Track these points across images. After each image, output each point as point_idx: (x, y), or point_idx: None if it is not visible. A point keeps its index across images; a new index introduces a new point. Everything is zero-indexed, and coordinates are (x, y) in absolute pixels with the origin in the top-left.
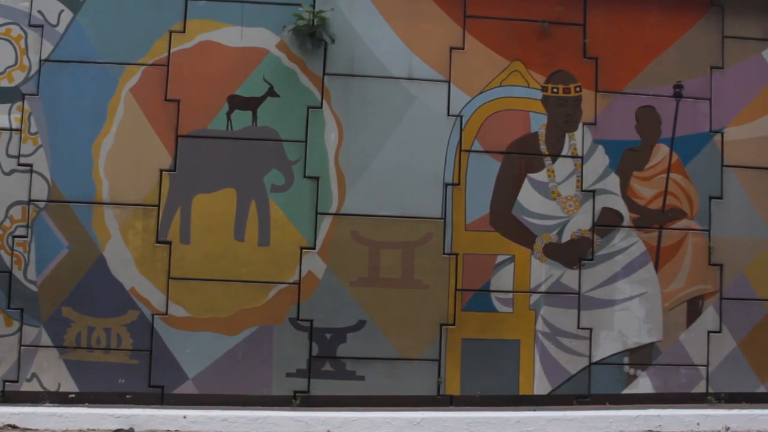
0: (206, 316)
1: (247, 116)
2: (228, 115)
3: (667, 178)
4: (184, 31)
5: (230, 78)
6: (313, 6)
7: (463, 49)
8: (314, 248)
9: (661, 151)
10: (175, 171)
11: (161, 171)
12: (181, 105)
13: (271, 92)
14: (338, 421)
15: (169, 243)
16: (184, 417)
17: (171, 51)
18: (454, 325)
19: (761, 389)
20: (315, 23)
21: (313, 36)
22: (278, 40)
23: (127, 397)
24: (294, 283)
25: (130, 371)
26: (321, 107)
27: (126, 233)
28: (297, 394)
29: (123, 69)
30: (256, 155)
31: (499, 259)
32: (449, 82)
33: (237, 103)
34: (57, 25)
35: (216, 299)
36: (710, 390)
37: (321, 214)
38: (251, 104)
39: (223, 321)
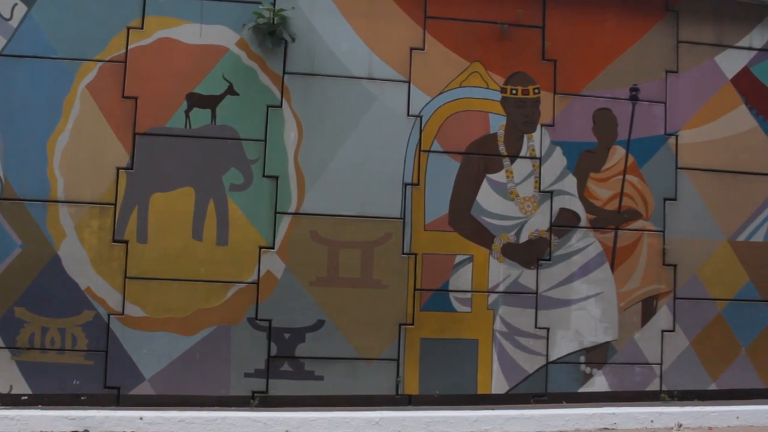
0: (163, 316)
1: (205, 114)
2: (186, 113)
3: (623, 179)
4: (142, 28)
5: (189, 76)
6: (274, 4)
7: (423, 49)
8: (273, 248)
9: (618, 153)
10: (132, 169)
11: (118, 169)
12: (139, 102)
13: (231, 90)
14: (297, 422)
15: (126, 242)
16: (141, 418)
17: (129, 47)
18: (412, 324)
19: (712, 387)
20: (275, 22)
21: (273, 34)
22: (238, 38)
23: (82, 398)
24: (252, 283)
25: (86, 372)
26: (281, 106)
27: (82, 232)
28: (255, 395)
29: (79, 65)
30: (214, 154)
31: (458, 259)
32: (409, 82)
33: (196, 101)
34: (10, 18)
35: (173, 299)
36: (664, 388)
37: (280, 213)
38: (210, 102)
39: (181, 321)
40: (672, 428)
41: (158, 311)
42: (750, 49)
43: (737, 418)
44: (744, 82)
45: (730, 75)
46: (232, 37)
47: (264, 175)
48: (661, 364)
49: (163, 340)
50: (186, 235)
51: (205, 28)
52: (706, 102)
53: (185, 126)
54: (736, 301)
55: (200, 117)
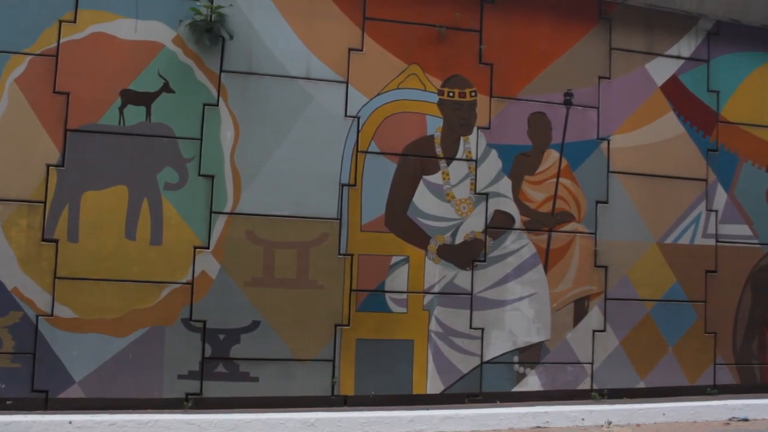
0: (95, 317)
1: (140, 111)
2: (120, 109)
3: (557, 182)
4: (74, 21)
5: (123, 72)
6: (211, 1)
7: (361, 50)
8: (208, 248)
9: (552, 157)
10: (63, 166)
11: (48, 166)
12: (71, 98)
13: (166, 88)
14: (231, 423)
15: (56, 241)
16: (70, 422)
17: (60, 41)
18: (348, 325)
19: (641, 385)
20: (213, 19)
21: (210, 32)
22: (174, 34)
23: (8, 402)
24: (187, 283)
25: (12, 375)
26: (217, 105)
27: (9, 230)
28: (189, 397)
29: (7, 58)
30: (149, 152)
31: (394, 259)
32: (347, 83)
33: (130, 97)
34: None
35: (105, 299)
36: (594, 386)
37: (215, 213)
38: (145, 99)
39: (113, 322)
40: (602, 426)
41: (89, 312)
42: (678, 57)
43: (663, 414)
44: (672, 89)
45: (659, 82)
46: (169, 33)
47: (199, 174)
48: (592, 363)
49: (94, 342)
50: (119, 235)
51: (140, 24)
52: (637, 108)
53: (119, 123)
54: (663, 302)
55: (135, 114)
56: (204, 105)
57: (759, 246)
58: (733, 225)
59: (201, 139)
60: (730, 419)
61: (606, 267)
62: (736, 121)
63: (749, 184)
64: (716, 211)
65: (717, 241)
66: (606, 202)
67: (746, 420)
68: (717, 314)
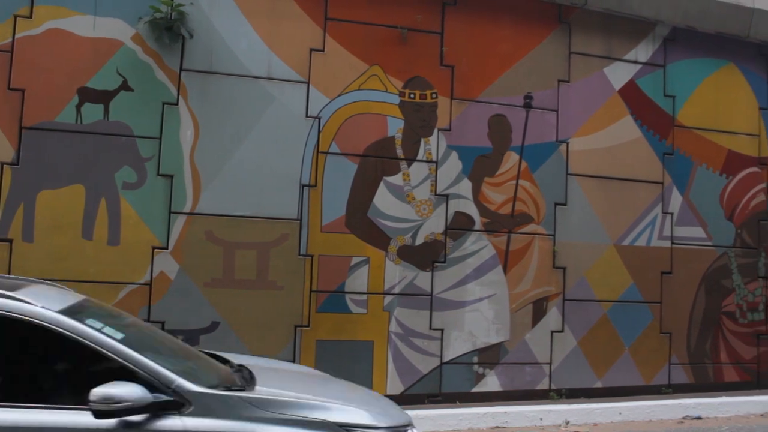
0: None
1: (98, 110)
2: (78, 107)
3: (516, 184)
4: (30, 17)
5: (81, 69)
6: None
7: (323, 51)
8: (167, 248)
9: (512, 159)
10: (18, 165)
11: (2, 164)
12: (26, 95)
13: (125, 86)
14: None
15: (10, 241)
16: None
17: (15, 36)
18: (308, 326)
19: (598, 385)
20: (173, 17)
21: (170, 30)
22: (133, 32)
23: None
24: (145, 284)
25: None
26: (177, 104)
27: None
28: None
29: None
30: (107, 151)
31: (354, 260)
32: (308, 83)
33: (88, 95)
34: None
35: None
36: (552, 386)
37: (174, 213)
38: (103, 97)
39: None
40: (560, 425)
41: None
42: (636, 62)
43: (620, 414)
44: (630, 93)
45: (617, 86)
46: (128, 30)
47: (158, 174)
48: (550, 363)
49: None
50: (75, 234)
51: (98, 21)
52: (595, 111)
53: (76, 121)
54: (620, 303)
55: (92, 112)
56: (163, 104)
57: (713, 248)
58: (688, 227)
59: (160, 138)
60: (683, 418)
61: (564, 268)
62: (691, 126)
63: (704, 188)
64: (672, 214)
65: (672, 243)
66: (564, 204)
67: (699, 418)
68: (672, 315)
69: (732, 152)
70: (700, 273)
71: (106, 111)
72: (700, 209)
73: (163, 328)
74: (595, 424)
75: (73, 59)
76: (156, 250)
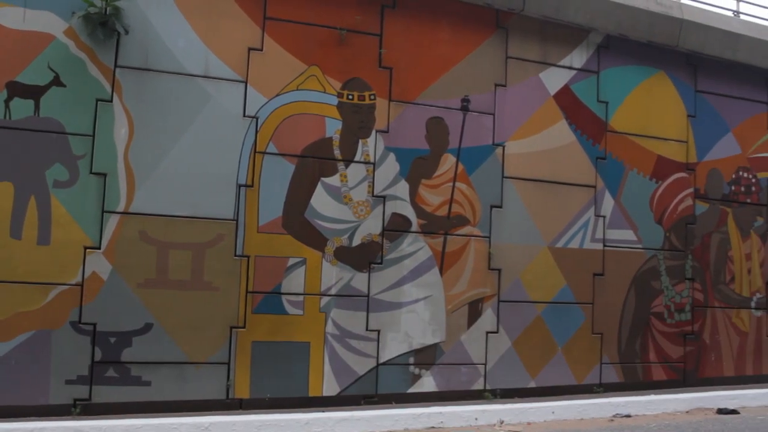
0: None
1: (28, 105)
2: (6, 102)
3: (453, 186)
4: None
5: (9, 63)
6: None
7: (261, 50)
8: (99, 248)
9: (449, 161)
10: None
11: None
12: None
13: (57, 81)
14: (121, 429)
15: None
16: None
17: None
18: (244, 327)
19: (532, 384)
20: (107, 12)
21: (105, 25)
22: (66, 26)
23: None
24: (76, 285)
25: None
26: (111, 101)
27: None
28: (77, 402)
29: None
30: (37, 148)
31: (291, 261)
32: (246, 82)
33: (17, 90)
34: None
35: None
36: (487, 387)
37: (107, 212)
38: (33, 92)
39: None
40: (494, 425)
41: None
42: (570, 68)
43: (553, 413)
44: (564, 98)
45: (552, 91)
46: (60, 24)
47: (91, 172)
48: (485, 364)
49: None
50: (3, 234)
51: (29, 13)
52: (531, 116)
53: (4, 117)
54: (553, 304)
55: (22, 108)
56: (97, 100)
57: (642, 250)
58: (619, 230)
59: (93, 136)
60: (614, 416)
61: (499, 270)
62: (623, 131)
63: (634, 192)
64: (604, 217)
65: (604, 246)
66: (500, 207)
67: (629, 416)
68: (603, 316)
69: (661, 158)
70: (630, 275)
71: (37, 107)
72: (631, 213)
73: (95, 330)
74: (529, 423)
75: (1, 52)
76: (88, 250)
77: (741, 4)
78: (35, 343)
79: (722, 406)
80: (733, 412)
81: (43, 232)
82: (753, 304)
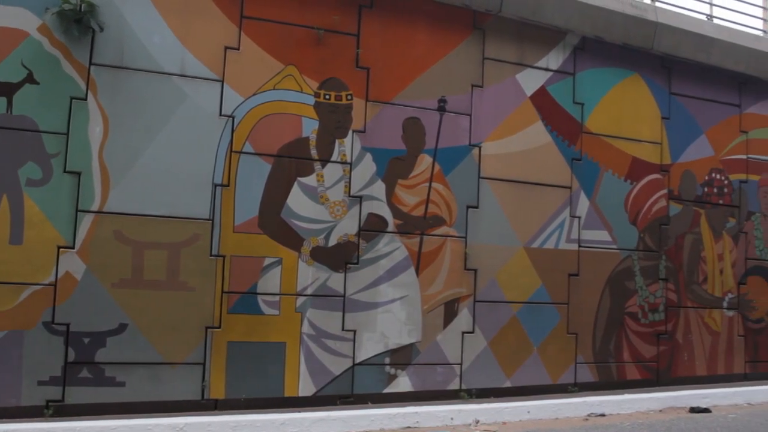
0: None
1: (1, 103)
2: None
3: (429, 187)
4: None
5: None
6: None
7: (238, 49)
8: (73, 247)
9: (425, 161)
10: None
11: None
12: None
13: (30, 79)
14: (95, 431)
15: None
16: None
17: None
18: (219, 327)
19: (507, 384)
20: (82, 9)
21: (79, 22)
22: (40, 22)
23: None
24: (50, 285)
25: None
26: (86, 99)
27: None
28: (50, 404)
29: None
30: (10, 146)
31: (267, 261)
32: (222, 81)
33: None
34: None
35: None
36: (463, 387)
37: (82, 211)
38: (6, 90)
39: None
40: (470, 424)
41: None
42: (547, 69)
43: (528, 412)
44: (541, 100)
45: (529, 92)
46: (34, 21)
47: (65, 171)
48: (461, 364)
49: None
50: None
51: (1, 9)
52: (507, 116)
53: None
54: (529, 304)
55: None
56: (71, 98)
57: (617, 251)
58: (595, 231)
59: (67, 134)
60: (588, 415)
61: (475, 270)
62: (598, 133)
63: (609, 193)
64: (579, 218)
65: (579, 246)
66: (476, 207)
67: (603, 415)
68: (578, 316)
69: (636, 159)
70: (605, 275)
71: (9, 104)
72: (606, 213)
73: (68, 330)
74: (505, 423)
75: None
76: (62, 249)
77: (714, 8)
78: (7, 344)
79: (694, 405)
80: (705, 410)
81: (16, 232)
82: (725, 304)
